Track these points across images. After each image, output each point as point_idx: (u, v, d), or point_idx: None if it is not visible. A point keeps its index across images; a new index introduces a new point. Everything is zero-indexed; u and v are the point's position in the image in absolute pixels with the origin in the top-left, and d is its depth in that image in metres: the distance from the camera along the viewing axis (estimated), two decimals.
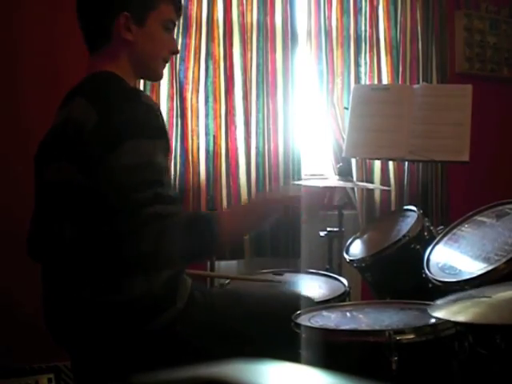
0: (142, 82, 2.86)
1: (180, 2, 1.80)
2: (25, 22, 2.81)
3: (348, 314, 1.79)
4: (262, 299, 1.82)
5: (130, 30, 1.65)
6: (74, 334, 1.61)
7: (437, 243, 2.16)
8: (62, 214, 1.58)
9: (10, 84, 2.80)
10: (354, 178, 3.29)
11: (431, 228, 2.33)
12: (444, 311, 1.54)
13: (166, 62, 1.80)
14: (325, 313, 1.80)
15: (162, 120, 1.59)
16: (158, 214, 1.46)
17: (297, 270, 2.51)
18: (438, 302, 1.63)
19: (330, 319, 1.73)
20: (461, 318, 1.49)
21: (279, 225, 3.18)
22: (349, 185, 2.79)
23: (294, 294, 1.98)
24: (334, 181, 2.73)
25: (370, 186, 3.27)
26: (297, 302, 1.79)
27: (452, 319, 1.50)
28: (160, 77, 1.84)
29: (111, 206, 1.49)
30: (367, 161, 3.37)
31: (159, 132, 1.56)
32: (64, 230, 1.57)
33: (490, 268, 1.85)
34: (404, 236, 2.28)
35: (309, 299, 1.89)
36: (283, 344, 1.59)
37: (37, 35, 2.83)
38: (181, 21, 2.98)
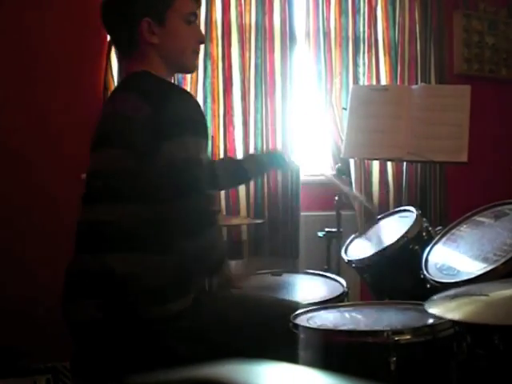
0: None
1: None
2: (42, 24, 2.84)
3: (346, 314, 1.79)
4: (265, 302, 1.83)
5: (154, 33, 1.70)
6: (84, 313, 1.61)
7: (435, 244, 2.16)
8: (101, 198, 1.65)
9: (27, 84, 2.83)
10: (353, 179, 3.28)
11: (430, 228, 2.33)
12: (440, 308, 1.54)
13: (197, 53, 1.86)
14: (323, 313, 1.79)
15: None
16: (215, 218, 1.62)
17: (295, 271, 2.51)
18: (435, 297, 1.62)
19: (329, 320, 1.73)
20: (458, 316, 1.49)
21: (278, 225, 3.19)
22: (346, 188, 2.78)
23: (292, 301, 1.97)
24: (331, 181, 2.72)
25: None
26: (298, 307, 1.79)
27: (448, 317, 1.50)
28: (194, 68, 1.94)
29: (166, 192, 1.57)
30: (365, 161, 3.37)
31: (207, 130, 1.67)
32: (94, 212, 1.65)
33: (488, 268, 1.85)
34: (402, 236, 2.27)
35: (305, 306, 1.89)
36: (282, 344, 1.59)
37: (51, 38, 2.86)
38: None
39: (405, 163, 3.28)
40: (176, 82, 3.01)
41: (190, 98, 1.67)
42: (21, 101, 2.83)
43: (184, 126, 1.58)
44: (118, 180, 1.62)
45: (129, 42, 1.72)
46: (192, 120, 1.61)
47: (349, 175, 3.10)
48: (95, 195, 1.68)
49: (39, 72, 2.86)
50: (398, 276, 2.30)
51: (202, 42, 1.84)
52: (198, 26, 1.87)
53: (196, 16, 1.80)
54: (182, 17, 1.73)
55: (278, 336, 1.65)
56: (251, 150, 3.15)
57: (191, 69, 1.87)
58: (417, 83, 3.46)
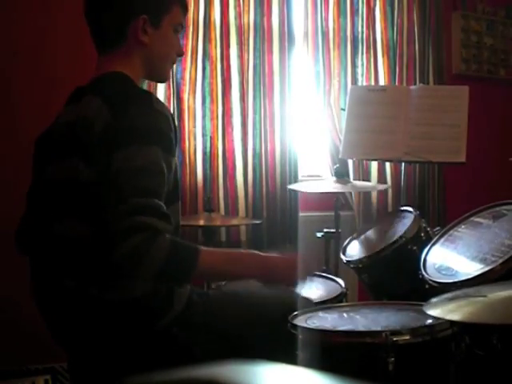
0: None
1: (187, 6, 1.81)
2: (21, 22, 2.82)
3: (345, 314, 1.79)
4: (262, 299, 1.81)
5: (146, 33, 1.67)
6: (73, 333, 1.60)
7: (433, 244, 2.16)
8: (67, 211, 1.56)
9: (4, 85, 2.80)
10: (351, 179, 3.28)
11: (428, 229, 2.33)
12: (439, 309, 1.54)
13: (173, 64, 1.83)
14: (321, 314, 1.80)
15: (174, 127, 1.59)
16: (147, 224, 1.42)
17: None
18: (434, 299, 1.63)
19: (327, 320, 1.73)
20: (456, 317, 1.49)
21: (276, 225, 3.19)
22: (346, 188, 2.79)
23: (292, 294, 1.96)
24: (330, 182, 2.73)
25: (367, 183, 3.26)
26: (295, 302, 1.79)
27: (447, 318, 1.51)
28: (167, 78, 1.86)
29: (109, 205, 1.47)
30: (364, 162, 3.37)
31: (168, 141, 1.55)
32: (64, 227, 1.56)
33: (486, 269, 1.85)
34: (401, 237, 2.28)
35: (307, 300, 1.89)
36: (280, 345, 1.59)
37: (32, 36, 2.84)
38: None
39: (403, 164, 3.28)
40: (174, 84, 3.01)
41: (156, 108, 1.55)
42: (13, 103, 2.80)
43: (136, 136, 1.49)
44: (87, 193, 1.53)
45: (118, 35, 1.66)
46: (147, 129, 1.51)
47: (347, 176, 3.10)
48: (62, 208, 1.58)
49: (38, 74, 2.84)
50: (396, 276, 2.30)
51: (180, 55, 1.83)
52: (179, 39, 1.82)
53: (182, 28, 1.80)
54: (173, 25, 1.72)
55: (276, 336, 1.65)
56: (250, 151, 3.15)
57: (165, 79, 1.83)
58: (415, 84, 3.46)
